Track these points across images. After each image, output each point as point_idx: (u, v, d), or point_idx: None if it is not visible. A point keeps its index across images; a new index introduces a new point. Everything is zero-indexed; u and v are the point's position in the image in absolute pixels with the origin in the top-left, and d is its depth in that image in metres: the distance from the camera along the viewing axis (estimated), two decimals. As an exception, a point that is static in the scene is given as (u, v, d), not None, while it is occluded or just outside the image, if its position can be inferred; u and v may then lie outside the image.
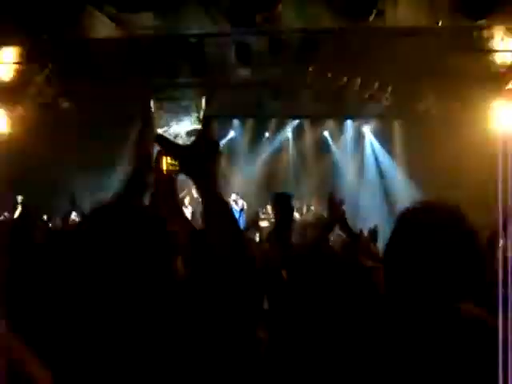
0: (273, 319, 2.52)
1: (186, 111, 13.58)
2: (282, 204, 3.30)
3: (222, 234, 1.43)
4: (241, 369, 1.41)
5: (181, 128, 12.59)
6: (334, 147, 14.69)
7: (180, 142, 1.58)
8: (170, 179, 1.86)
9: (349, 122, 14.29)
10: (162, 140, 1.52)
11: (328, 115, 13.66)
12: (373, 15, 7.60)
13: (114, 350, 1.27)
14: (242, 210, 13.00)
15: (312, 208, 13.41)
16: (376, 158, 14.02)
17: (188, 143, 1.52)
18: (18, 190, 10.63)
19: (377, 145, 14.04)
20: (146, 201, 2.30)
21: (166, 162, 1.66)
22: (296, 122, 14.68)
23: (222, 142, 14.84)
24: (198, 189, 1.51)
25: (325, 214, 13.11)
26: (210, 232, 1.47)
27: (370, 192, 13.51)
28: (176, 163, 1.52)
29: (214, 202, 1.47)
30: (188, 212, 12.50)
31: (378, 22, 7.86)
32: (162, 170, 1.72)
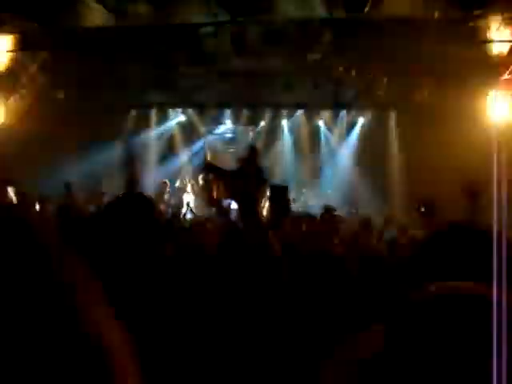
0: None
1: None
2: (278, 195, 3.31)
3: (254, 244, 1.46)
4: None
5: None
6: (328, 137, 14.72)
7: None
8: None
9: (344, 113, 14.29)
10: (212, 168, 1.57)
11: (324, 105, 13.65)
12: (369, 5, 7.59)
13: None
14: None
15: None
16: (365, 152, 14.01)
17: (236, 169, 1.56)
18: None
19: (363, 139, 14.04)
20: None
21: (217, 188, 1.69)
22: (291, 111, 14.68)
23: (217, 132, 14.89)
24: (242, 213, 1.57)
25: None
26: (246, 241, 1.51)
27: (364, 180, 13.54)
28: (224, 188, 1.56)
29: (252, 226, 1.53)
30: (191, 199, 12.36)
31: (374, 11, 7.86)
32: (213, 197, 1.77)
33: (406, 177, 12.25)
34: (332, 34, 9.10)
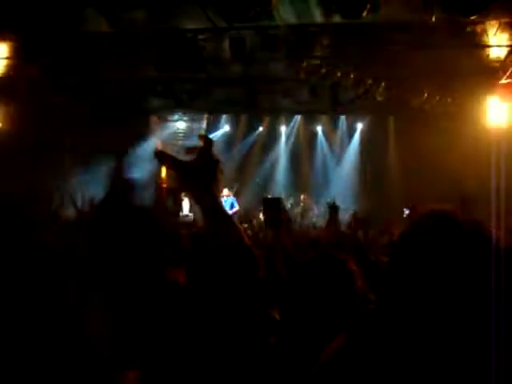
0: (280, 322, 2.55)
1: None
2: (271, 207, 3.32)
3: (224, 241, 1.44)
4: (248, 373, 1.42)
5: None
6: (325, 142, 14.75)
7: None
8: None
9: (342, 118, 14.32)
10: (160, 155, 1.52)
11: (322, 111, 13.67)
12: (366, 10, 7.61)
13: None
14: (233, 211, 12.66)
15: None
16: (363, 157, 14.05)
17: (189, 160, 1.53)
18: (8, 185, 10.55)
19: (364, 145, 14.10)
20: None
21: (168, 177, 1.65)
22: (290, 116, 14.72)
23: (216, 135, 14.92)
24: (197, 203, 1.52)
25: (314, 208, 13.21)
26: (213, 241, 1.48)
27: (363, 184, 13.58)
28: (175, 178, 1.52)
29: (213, 215, 1.49)
30: (186, 204, 12.41)
31: (372, 17, 7.87)
32: (163, 186, 1.75)
33: (405, 180, 12.26)
34: (330, 39, 9.12)
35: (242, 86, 11.44)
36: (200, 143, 1.60)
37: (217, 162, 1.56)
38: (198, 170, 1.51)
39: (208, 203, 1.50)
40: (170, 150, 1.60)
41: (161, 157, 1.52)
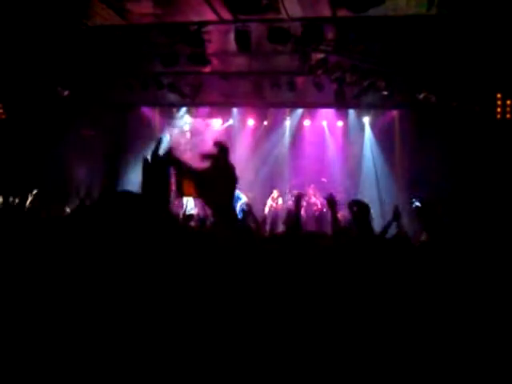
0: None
1: None
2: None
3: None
4: None
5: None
6: (331, 137, 14.70)
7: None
8: None
9: (350, 112, 14.26)
10: (174, 162, 1.52)
11: (328, 104, 13.61)
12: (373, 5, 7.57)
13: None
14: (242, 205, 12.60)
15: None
16: (372, 152, 14.03)
17: (205, 169, 1.52)
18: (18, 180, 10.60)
19: (373, 139, 14.05)
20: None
21: (186, 185, 1.64)
22: (295, 110, 14.68)
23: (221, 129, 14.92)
24: (213, 212, 1.52)
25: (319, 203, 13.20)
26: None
27: (366, 183, 13.56)
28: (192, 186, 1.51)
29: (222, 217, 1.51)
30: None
31: (377, 10, 7.83)
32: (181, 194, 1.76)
33: (410, 177, 12.22)
34: (336, 33, 9.08)
35: (247, 79, 11.40)
36: (215, 150, 1.59)
37: (233, 168, 1.56)
38: (214, 179, 1.52)
39: (220, 209, 1.52)
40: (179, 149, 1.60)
41: (171, 162, 1.51)
